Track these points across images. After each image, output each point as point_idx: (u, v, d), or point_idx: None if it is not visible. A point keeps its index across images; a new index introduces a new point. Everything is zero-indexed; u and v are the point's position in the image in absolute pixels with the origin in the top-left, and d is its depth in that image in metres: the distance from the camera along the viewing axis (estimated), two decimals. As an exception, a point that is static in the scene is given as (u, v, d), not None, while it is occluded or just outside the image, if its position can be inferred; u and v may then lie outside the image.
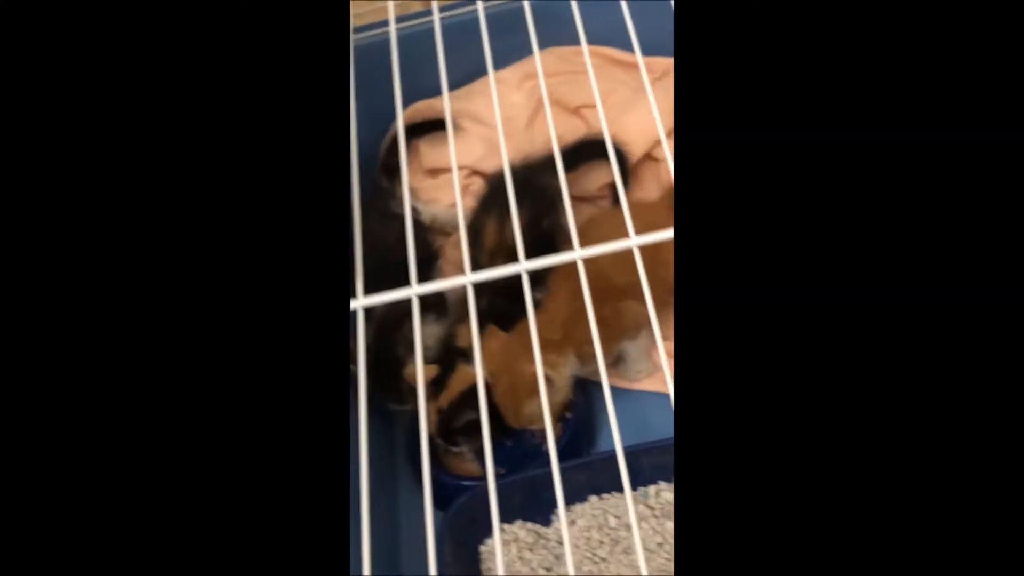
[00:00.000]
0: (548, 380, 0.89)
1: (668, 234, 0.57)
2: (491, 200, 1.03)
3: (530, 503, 0.90)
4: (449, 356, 0.93)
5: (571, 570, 0.47)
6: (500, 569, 0.49)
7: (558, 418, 0.95)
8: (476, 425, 0.89)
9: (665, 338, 1.05)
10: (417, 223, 1.02)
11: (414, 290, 0.64)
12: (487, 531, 0.90)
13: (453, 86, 1.18)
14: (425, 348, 0.95)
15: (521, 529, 0.91)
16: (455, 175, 0.75)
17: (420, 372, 0.62)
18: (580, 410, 0.97)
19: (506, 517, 0.91)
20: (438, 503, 0.96)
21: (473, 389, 0.87)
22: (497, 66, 1.20)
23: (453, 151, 0.78)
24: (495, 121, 1.18)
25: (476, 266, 0.98)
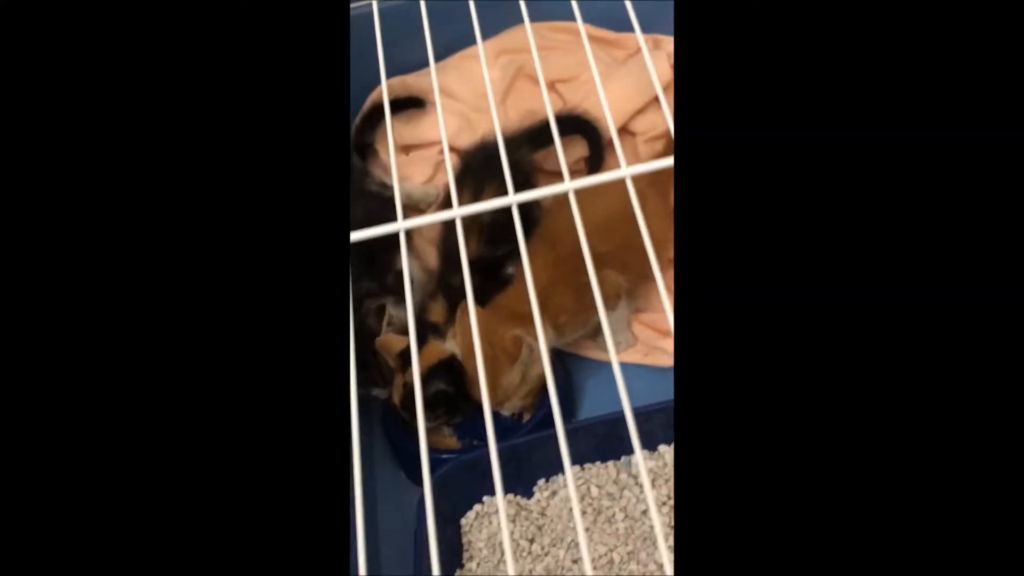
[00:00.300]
0: (529, 350, 0.90)
1: (664, 162, 0.56)
2: (465, 176, 1.03)
3: (511, 475, 0.90)
4: (420, 331, 0.93)
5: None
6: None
7: (540, 386, 0.95)
8: (444, 398, 0.92)
9: (642, 309, 1.07)
10: (390, 201, 1.03)
11: (400, 224, 0.63)
12: (468, 503, 0.91)
13: (425, 63, 1.21)
14: (395, 324, 0.95)
15: (507, 502, 0.91)
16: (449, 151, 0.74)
17: (411, 314, 0.61)
18: (558, 381, 0.97)
19: (487, 490, 0.92)
20: (415, 477, 0.97)
21: (443, 363, 0.91)
22: (471, 42, 1.23)
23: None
24: (468, 96, 1.20)
25: (451, 244, 1.00)
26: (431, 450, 0.93)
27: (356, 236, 0.60)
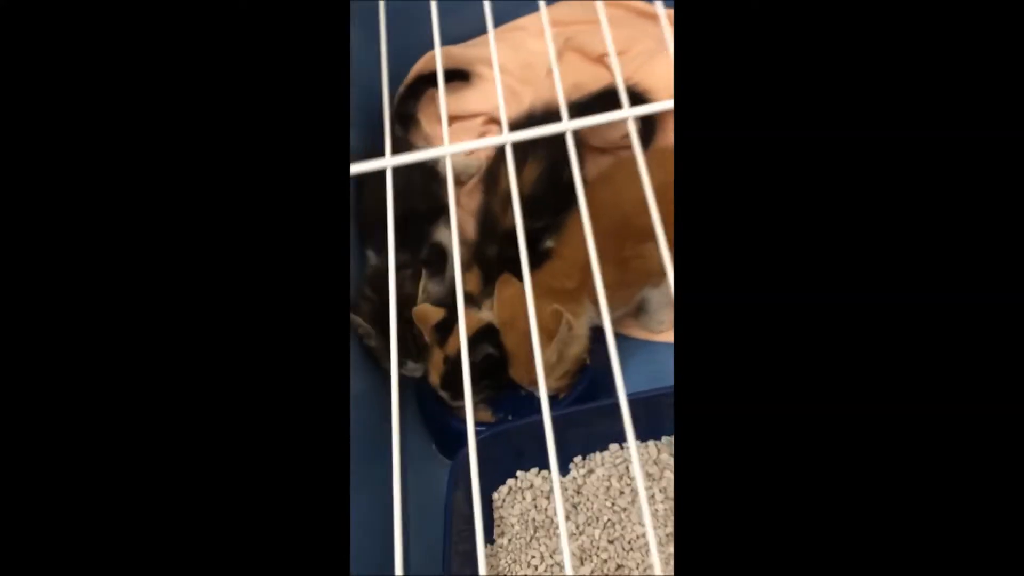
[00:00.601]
0: (568, 327, 0.88)
1: (663, 104, 0.55)
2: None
3: (544, 450, 0.88)
4: (451, 299, 0.92)
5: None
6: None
7: (577, 368, 0.93)
8: (491, 365, 0.91)
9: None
10: (432, 172, 1.03)
11: (447, 149, 0.62)
12: (500, 478, 0.89)
13: (471, 34, 1.22)
14: (431, 295, 0.94)
15: (537, 477, 0.90)
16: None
17: (458, 273, 0.58)
18: (598, 359, 0.95)
19: (521, 464, 0.90)
20: (447, 450, 0.96)
21: (481, 333, 0.90)
22: (518, 14, 1.22)
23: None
24: (514, 68, 1.18)
25: (490, 215, 0.98)
26: (462, 421, 0.93)
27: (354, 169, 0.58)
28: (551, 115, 1.07)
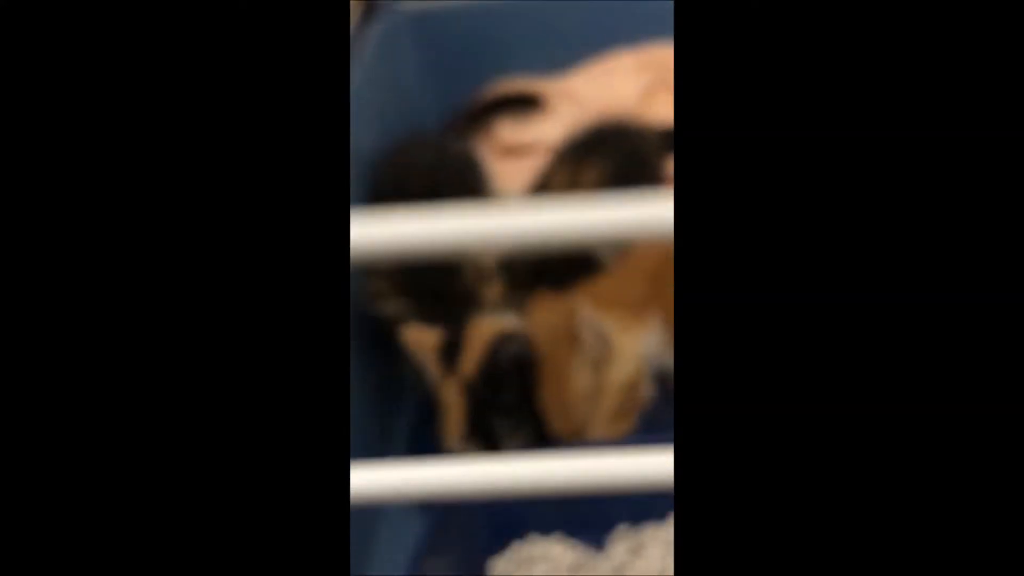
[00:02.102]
0: (605, 342, 0.69)
1: None
2: (567, 151, 0.87)
3: (578, 512, 0.65)
4: (454, 309, 0.76)
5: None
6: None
7: (633, 406, 0.72)
8: (511, 380, 0.71)
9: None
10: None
11: None
12: (498, 541, 0.66)
13: (554, 67, 1.11)
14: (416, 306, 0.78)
15: (559, 546, 0.66)
16: None
17: None
18: (657, 409, 0.75)
19: (540, 525, 0.66)
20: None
21: (502, 340, 0.72)
22: (610, 46, 1.11)
23: None
24: (595, 102, 1.04)
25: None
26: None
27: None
28: (629, 128, 0.94)
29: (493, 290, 0.77)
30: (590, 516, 0.64)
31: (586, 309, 0.69)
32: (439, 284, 0.77)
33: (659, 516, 0.66)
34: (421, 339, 0.74)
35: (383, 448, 0.79)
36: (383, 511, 0.73)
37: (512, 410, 0.71)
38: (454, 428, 0.73)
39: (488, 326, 0.72)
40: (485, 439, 0.72)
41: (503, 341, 0.71)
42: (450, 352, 0.73)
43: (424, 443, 0.77)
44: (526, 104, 1.05)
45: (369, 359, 0.78)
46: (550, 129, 1.03)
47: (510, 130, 1.06)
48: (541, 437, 0.73)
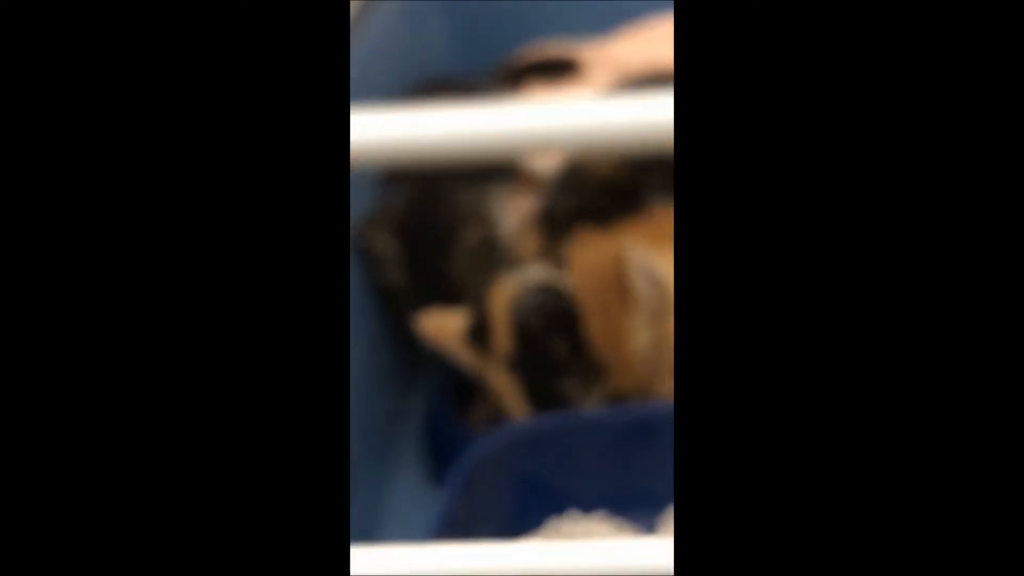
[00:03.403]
0: (660, 288, 0.65)
1: None
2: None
3: (626, 480, 0.60)
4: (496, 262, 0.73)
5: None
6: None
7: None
8: (552, 323, 0.68)
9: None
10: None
11: None
12: (531, 519, 0.62)
13: (591, 32, 1.10)
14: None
15: (601, 524, 0.61)
16: None
17: None
18: None
19: (578, 498, 0.61)
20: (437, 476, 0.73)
21: (525, 295, 0.69)
22: (649, 13, 1.11)
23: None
24: (631, 69, 1.02)
25: (576, 164, 0.82)
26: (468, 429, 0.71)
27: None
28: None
29: (530, 242, 0.75)
30: (644, 489, 0.61)
31: (635, 250, 0.65)
32: (442, 259, 0.75)
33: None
34: (443, 326, 0.71)
35: (393, 435, 0.77)
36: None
37: (570, 366, 0.67)
38: (518, 409, 0.70)
39: (507, 288, 0.69)
40: (557, 406, 0.69)
41: (526, 296, 0.67)
42: (479, 333, 0.69)
43: (442, 427, 0.75)
44: (562, 69, 1.04)
45: (377, 340, 0.76)
46: (586, 95, 1.01)
47: (544, 95, 1.04)
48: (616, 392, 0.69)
